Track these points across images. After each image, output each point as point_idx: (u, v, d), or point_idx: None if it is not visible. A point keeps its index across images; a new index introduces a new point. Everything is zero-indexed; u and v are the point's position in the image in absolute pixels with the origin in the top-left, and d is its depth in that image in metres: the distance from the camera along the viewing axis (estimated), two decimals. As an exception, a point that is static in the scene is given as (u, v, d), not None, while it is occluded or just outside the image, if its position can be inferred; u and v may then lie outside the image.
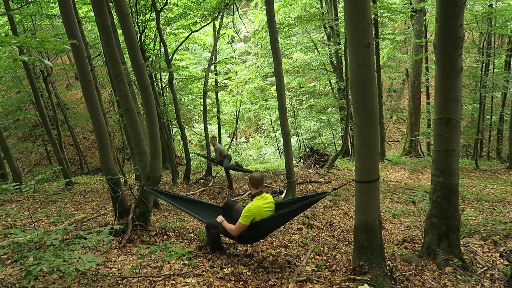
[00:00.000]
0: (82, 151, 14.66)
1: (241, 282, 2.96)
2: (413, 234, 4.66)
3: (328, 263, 3.52)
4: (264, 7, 7.32)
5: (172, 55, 9.64)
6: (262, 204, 3.34)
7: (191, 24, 10.08)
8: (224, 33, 15.50)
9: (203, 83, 11.75)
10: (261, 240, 4.21)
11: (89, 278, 2.86)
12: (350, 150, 14.15)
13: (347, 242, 4.56)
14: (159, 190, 4.06)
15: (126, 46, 4.24)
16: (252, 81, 18.56)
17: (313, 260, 3.63)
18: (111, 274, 2.97)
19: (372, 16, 7.54)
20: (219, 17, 10.92)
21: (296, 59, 15.83)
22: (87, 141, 17.80)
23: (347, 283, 2.96)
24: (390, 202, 6.72)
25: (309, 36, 15.82)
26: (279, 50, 6.40)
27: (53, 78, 13.60)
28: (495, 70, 14.02)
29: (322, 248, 4.00)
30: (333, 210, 6.02)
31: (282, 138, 6.76)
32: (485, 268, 3.37)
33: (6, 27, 9.89)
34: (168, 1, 8.95)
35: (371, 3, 8.35)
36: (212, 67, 14.95)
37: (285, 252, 3.83)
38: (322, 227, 5.13)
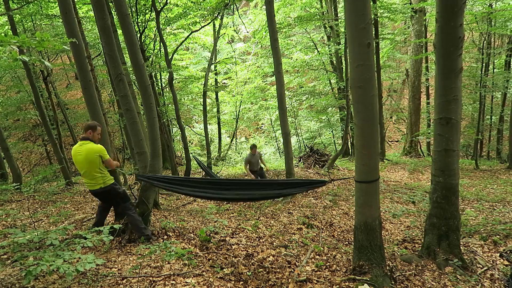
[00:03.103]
0: (82, 151, 14.64)
1: (241, 282, 2.96)
2: (413, 234, 4.66)
3: (328, 263, 3.52)
4: (264, 7, 7.32)
5: (172, 55, 9.65)
6: (75, 148, 3.67)
7: (191, 24, 10.09)
8: (224, 33, 15.52)
9: (203, 83, 11.77)
10: (261, 240, 4.21)
11: (89, 278, 2.86)
12: (350, 150, 14.15)
13: (347, 242, 4.56)
14: (152, 176, 4.04)
15: (126, 46, 4.24)
16: (252, 81, 18.59)
17: (313, 260, 3.63)
18: (111, 274, 2.97)
19: (372, 16, 7.55)
20: (219, 17, 10.94)
21: (296, 59, 15.84)
22: (87, 141, 17.77)
23: (347, 283, 2.96)
24: (390, 202, 6.72)
25: (309, 36, 15.82)
26: (279, 50, 6.40)
27: (53, 78, 13.60)
28: (495, 70, 14.02)
29: (322, 248, 4.00)
30: (333, 210, 6.02)
31: (282, 138, 6.77)
32: (485, 268, 3.37)
33: (6, 27, 9.89)
34: (168, 1, 8.96)
35: (371, 3, 8.36)
36: (212, 67, 14.97)
37: (285, 252, 3.83)
38: (322, 227, 5.13)
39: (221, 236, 4.23)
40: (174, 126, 14.65)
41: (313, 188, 3.61)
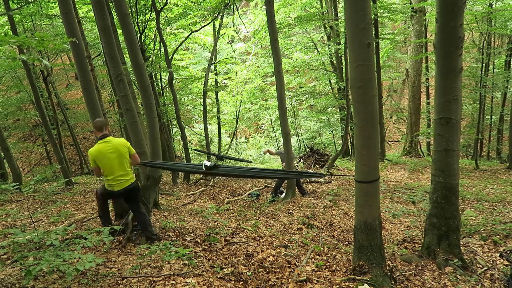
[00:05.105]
0: (82, 151, 14.66)
1: (241, 282, 2.96)
2: (413, 234, 4.65)
3: (328, 263, 3.52)
4: (264, 7, 7.32)
5: (172, 55, 9.64)
6: (102, 147, 3.52)
7: (191, 24, 10.09)
8: (224, 33, 15.50)
9: (203, 83, 11.77)
10: (261, 240, 4.22)
11: (89, 278, 2.86)
12: (350, 150, 14.15)
13: (347, 242, 4.56)
14: (150, 162, 4.15)
15: (126, 46, 4.24)
16: (252, 81, 18.57)
17: (313, 260, 3.63)
18: (111, 274, 2.97)
19: (372, 16, 7.54)
20: (219, 17, 10.93)
21: (296, 59, 15.82)
22: (87, 141, 17.79)
23: (347, 283, 2.96)
24: (390, 202, 6.72)
25: (309, 36, 15.82)
26: (279, 50, 6.40)
27: (53, 78, 13.59)
28: (495, 70, 14.01)
29: (322, 248, 4.00)
30: (333, 210, 6.02)
31: (282, 138, 6.77)
32: (485, 268, 3.37)
33: (6, 27, 9.88)
34: (168, 1, 8.95)
35: (371, 3, 8.35)
36: (212, 67, 14.94)
37: (285, 252, 3.83)
38: (322, 227, 5.13)
39: (221, 236, 4.23)
40: (174, 126, 14.64)
41: (310, 177, 3.66)
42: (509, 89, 13.26)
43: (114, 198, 3.80)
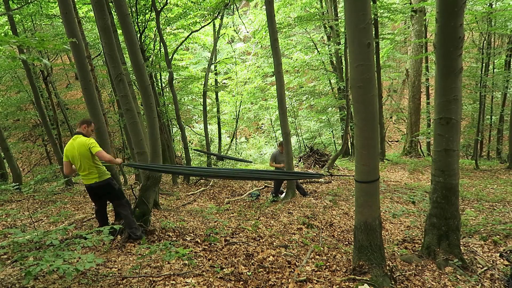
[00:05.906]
0: (82, 151, 14.66)
1: (241, 282, 2.96)
2: (413, 234, 4.65)
3: (328, 263, 3.52)
4: (264, 7, 7.32)
5: (172, 55, 9.65)
6: (70, 143, 3.73)
7: (191, 24, 10.09)
8: (224, 33, 15.51)
9: (203, 83, 11.77)
10: (261, 240, 4.22)
11: (89, 278, 2.86)
12: (350, 150, 14.15)
13: (347, 242, 4.56)
14: (140, 164, 4.22)
15: (126, 46, 4.24)
16: (252, 81, 18.59)
17: (313, 260, 3.63)
18: (111, 274, 2.97)
19: (372, 16, 7.54)
20: (219, 17, 10.93)
21: (296, 59, 15.84)
22: (87, 141, 17.75)
23: (347, 283, 2.96)
24: (390, 202, 6.72)
25: (309, 36, 15.82)
26: (279, 50, 6.40)
27: (53, 78, 13.58)
28: (495, 70, 14.01)
29: (322, 248, 4.00)
30: (333, 210, 6.02)
31: (282, 138, 6.77)
32: (485, 268, 3.37)
33: (6, 27, 9.88)
34: (168, 1, 8.95)
35: (371, 3, 8.35)
36: (212, 67, 14.95)
37: (285, 252, 3.83)
38: (322, 227, 5.13)
39: (221, 236, 4.24)
40: (174, 126, 14.64)
41: (310, 177, 3.66)
42: (509, 89, 13.25)
43: (91, 192, 3.90)
